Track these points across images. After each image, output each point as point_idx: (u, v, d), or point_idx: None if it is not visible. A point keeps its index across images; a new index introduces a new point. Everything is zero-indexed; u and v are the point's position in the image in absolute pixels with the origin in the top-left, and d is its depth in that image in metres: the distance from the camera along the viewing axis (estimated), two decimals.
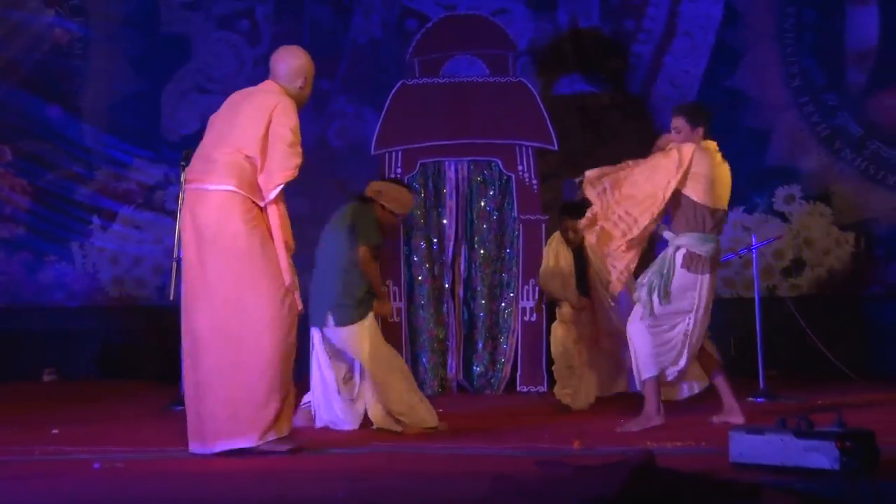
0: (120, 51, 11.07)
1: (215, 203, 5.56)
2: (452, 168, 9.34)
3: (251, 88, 5.93)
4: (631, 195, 6.67)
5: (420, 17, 10.64)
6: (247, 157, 5.58)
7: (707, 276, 6.62)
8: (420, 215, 9.26)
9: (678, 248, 6.63)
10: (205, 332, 5.55)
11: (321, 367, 6.98)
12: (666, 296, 6.56)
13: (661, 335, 6.62)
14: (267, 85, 5.87)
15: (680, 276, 6.59)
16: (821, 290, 10.26)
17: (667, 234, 6.71)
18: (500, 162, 9.27)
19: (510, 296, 9.22)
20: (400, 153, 9.30)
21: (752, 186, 10.29)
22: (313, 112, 10.84)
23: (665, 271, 6.59)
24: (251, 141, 5.58)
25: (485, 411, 7.88)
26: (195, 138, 10.56)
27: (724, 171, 6.76)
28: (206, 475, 5.06)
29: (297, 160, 5.63)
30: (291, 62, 5.90)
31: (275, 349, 5.54)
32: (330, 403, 6.96)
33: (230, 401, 5.48)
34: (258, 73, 10.95)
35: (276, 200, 5.63)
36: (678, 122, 6.78)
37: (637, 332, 6.68)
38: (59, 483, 4.85)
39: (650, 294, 6.61)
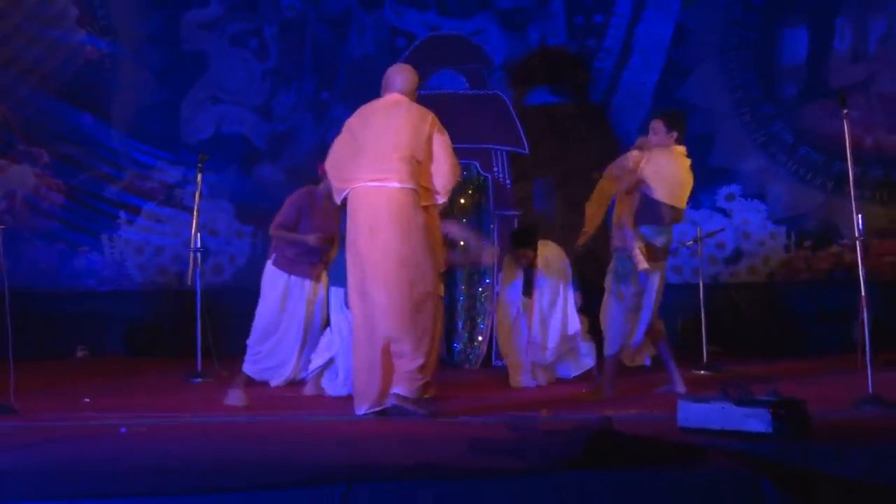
0: (144, 65, 11.03)
1: (400, 198, 5.65)
2: None
3: (393, 99, 5.93)
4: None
5: (408, 36, 10.63)
6: (418, 161, 5.71)
7: (661, 263, 6.64)
8: None
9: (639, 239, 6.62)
10: (380, 307, 5.63)
11: (339, 327, 7.03)
12: (634, 281, 6.56)
13: (627, 317, 6.62)
14: (402, 98, 5.93)
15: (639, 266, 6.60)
16: (757, 276, 10.30)
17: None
18: (477, 164, 9.25)
19: (486, 282, 9.22)
20: None
21: (697, 185, 10.25)
22: (315, 119, 10.84)
23: (629, 260, 6.59)
24: (419, 146, 5.73)
25: (463, 383, 7.87)
26: (211, 142, 10.75)
27: (684, 174, 6.68)
28: (216, 437, 5.05)
29: (459, 166, 6.00)
30: (410, 79, 6.02)
31: (432, 319, 5.67)
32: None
33: (401, 364, 5.62)
34: (266, 83, 10.97)
35: None
36: (656, 124, 6.69)
37: (609, 316, 6.68)
38: (90, 445, 4.83)
39: (618, 282, 6.60)
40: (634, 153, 6.63)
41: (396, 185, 5.66)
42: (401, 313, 5.60)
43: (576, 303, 7.73)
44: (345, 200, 5.87)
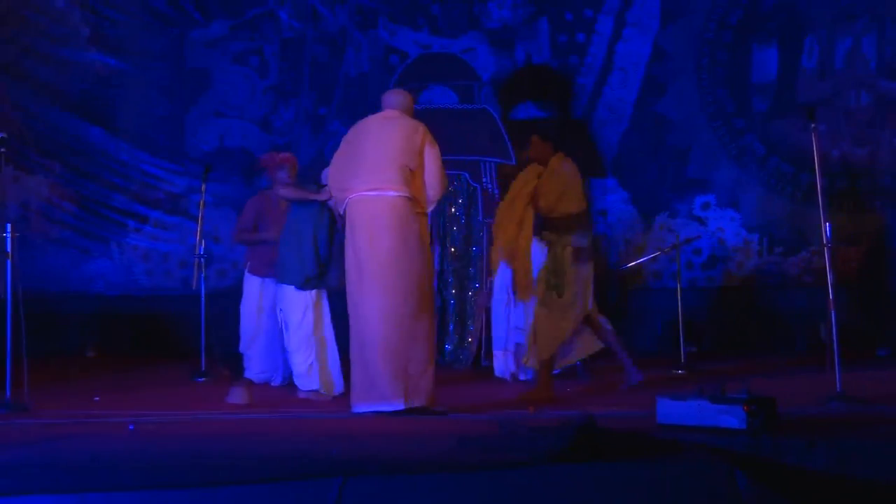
0: (151, 81, 11.01)
1: (398, 206, 5.68)
2: None
3: (388, 114, 5.96)
4: None
5: (401, 54, 10.63)
6: (411, 170, 5.73)
7: (589, 265, 6.61)
8: None
9: (565, 246, 6.58)
10: (378, 311, 5.61)
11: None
12: (565, 289, 6.51)
13: (557, 321, 6.55)
14: (396, 112, 5.95)
15: (571, 270, 6.54)
16: (731, 281, 10.31)
17: (549, 236, 6.65)
18: (467, 175, 9.25)
19: (476, 286, 9.21)
20: None
21: (674, 195, 10.34)
22: (312, 132, 10.83)
23: (558, 268, 6.53)
24: (412, 157, 5.76)
25: (455, 382, 7.86)
26: (214, 154, 10.73)
27: (571, 177, 6.69)
28: (218, 433, 5.04)
29: (447, 178, 6.09)
30: (404, 98, 6.07)
31: (429, 321, 5.71)
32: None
33: (403, 367, 5.58)
34: (267, 99, 10.96)
35: None
36: (534, 139, 6.92)
37: (541, 323, 6.59)
38: (99, 440, 4.82)
39: (550, 290, 6.54)
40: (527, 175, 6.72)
41: (393, 193, 5.67)
42: (400, 318, 5.59)
43: None
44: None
